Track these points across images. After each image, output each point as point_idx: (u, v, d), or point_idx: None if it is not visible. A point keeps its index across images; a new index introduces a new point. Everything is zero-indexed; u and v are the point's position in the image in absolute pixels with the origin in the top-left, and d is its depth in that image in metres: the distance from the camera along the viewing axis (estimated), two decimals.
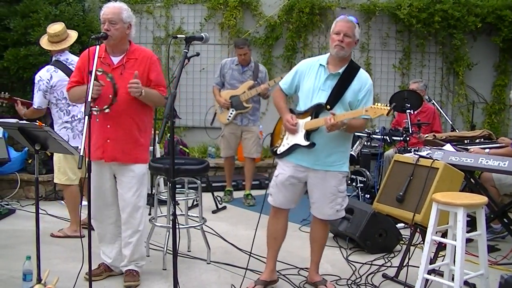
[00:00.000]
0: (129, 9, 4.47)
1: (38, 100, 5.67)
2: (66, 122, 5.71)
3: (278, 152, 4.51)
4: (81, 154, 3.69)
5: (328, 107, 4.21)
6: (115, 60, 4.45)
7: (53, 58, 5.84)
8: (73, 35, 5.93)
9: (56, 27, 5.80)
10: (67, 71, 5.62)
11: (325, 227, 4.62)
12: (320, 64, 4.38)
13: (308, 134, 4.28)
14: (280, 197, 4.47)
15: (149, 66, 4.45)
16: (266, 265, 4.64)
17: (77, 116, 5.72)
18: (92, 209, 4.56)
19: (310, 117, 4.29)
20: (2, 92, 6.11)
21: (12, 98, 6.09)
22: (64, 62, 5.77)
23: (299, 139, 4.32)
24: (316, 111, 4.28)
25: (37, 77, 5.68)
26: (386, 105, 3.96)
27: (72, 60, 5.81)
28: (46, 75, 5.66)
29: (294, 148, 4.37)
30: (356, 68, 4.38)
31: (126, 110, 4.34)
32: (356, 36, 4.30)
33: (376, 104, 4.01)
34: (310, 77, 4.38)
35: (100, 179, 4.54)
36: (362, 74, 4.37)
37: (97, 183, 4.53)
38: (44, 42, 5.86)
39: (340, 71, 4.29)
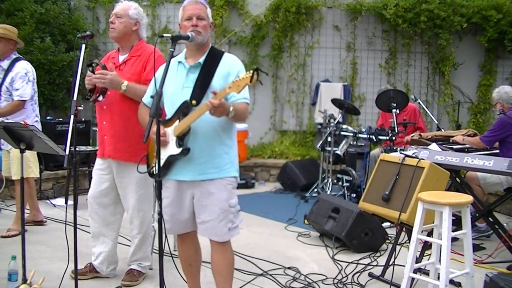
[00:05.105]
0: (140, 8, 4.52)
1: (30, 91, 5.65)
2: (37, 116, 5.85)
3: (154, 173, 3.58)
4: (67, 153, 3.68)
5: (194, 102, 3.58)
6: (122, 58, 4.47)
7: (13, 56, 5.78)
8: None
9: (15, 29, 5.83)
10: None
11: (225, 252, 3.79)
12: (179, 62, 3.77)
13: (181, 140, 3.58)
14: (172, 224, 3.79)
15: (146, 62, 4.39)
16: None
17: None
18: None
19: (178, 121, 3.60)
20: None
21: None
22: None
23: (172, 148, 3.60)
24: (183, 111, 3.58)
25: (23, 70, 5.65)
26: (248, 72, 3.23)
27: None
28: (29, 66, 5.74)
29: (170, 162, 3.64)
30: (219, 53, 3.79)
31: (120, 107, 4.29)
32: (210, 18, 3.80)
33: (238, 77, 3.24)
34: (171, 79, 3.69)
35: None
36: (228, 57, 3.77)
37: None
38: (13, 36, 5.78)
39: (201, 60, 3.70)
